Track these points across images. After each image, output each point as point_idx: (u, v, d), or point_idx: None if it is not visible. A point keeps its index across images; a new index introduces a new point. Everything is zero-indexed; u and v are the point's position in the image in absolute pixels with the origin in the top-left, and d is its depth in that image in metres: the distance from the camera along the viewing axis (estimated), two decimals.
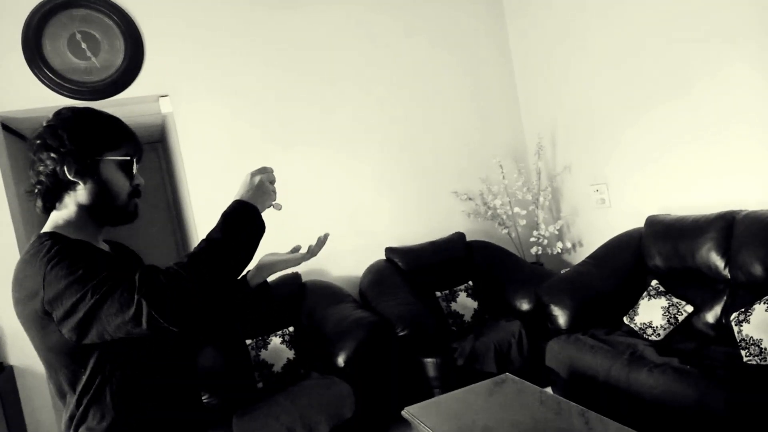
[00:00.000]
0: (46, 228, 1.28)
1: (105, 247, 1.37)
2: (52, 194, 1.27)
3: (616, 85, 3.77)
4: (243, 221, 1.27)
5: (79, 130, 1.25)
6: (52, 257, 1.15)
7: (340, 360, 3.15)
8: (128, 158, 1.31)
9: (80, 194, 1.27)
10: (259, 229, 1.30)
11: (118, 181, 1.30)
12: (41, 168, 1.25)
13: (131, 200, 1.34)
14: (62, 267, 1.14)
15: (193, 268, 1.14)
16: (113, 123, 1.31)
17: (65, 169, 1.24)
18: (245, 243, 1.26)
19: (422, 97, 4.48)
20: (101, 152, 1.27)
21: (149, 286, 1.10)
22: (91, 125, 1.28)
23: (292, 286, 3.80)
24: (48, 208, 1.29)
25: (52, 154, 1.24)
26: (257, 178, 1.37)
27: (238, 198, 1.32)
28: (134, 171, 1.33)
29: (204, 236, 1.25)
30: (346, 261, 4.17)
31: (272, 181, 1.41)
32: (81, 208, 1.28)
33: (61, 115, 1.28)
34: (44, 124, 1.28)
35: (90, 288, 1.11)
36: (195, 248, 1.21)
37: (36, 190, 1.28)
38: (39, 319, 1.17)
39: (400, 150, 4.39)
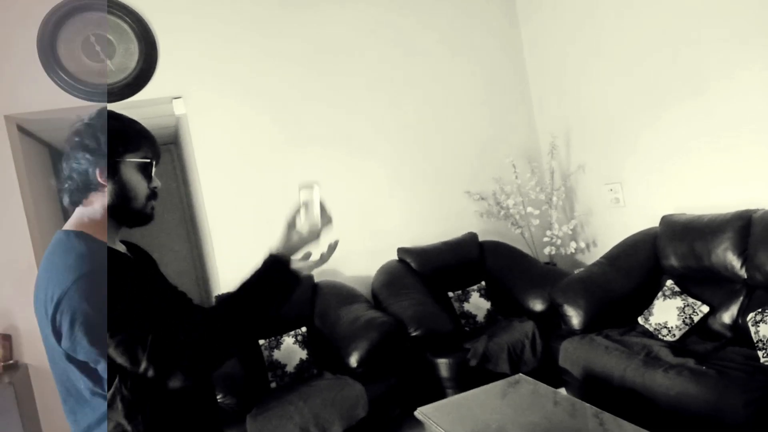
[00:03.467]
0: (73, 225, 1.30)
1: (122, 248, 1.39)
2: (80, 192, 1.31)
3: (631, 86, 3.74)
4: (274, 279, 1.34)
5: (109, 132, 1.29)
6: (83, 303, 1.15)
7: (353, 360, 3.15)
8: (147, 160, 1.34)
9: (104, 194, 1.30)
10: (294, 282, 1.36)
11: (137, 182, 1.33)
12: (75, 165, 1.29)
13: (148, 202, 1.36)
14: (89, 338, 1.15)
15: (213, 333, 1.21)
16: (134, 125, 1.34)
17: (98, 171, 1.28)
18: (276, 302, 1.33)
19: (435, 97, 4.47)
20: (123, 154, 1.30)
21: (160, 358, 1.14)
22: (117, 127, 1.31)
23: (304, 286, 3.80)
24: (74, 203, 1.33)
25: (88, 155, 1.28)
26: (287, 229, 1.41)
27: (273, 251, 1.37)
28: (152, 173, 1.36)
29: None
30: (359, 261, 4.17)
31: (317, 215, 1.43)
32: (103, 209, 1.31)
33: (99, 116, 1.31)
34: (85, 120, 1.31)
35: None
36: (225, 301, 1.29)
37: (66, 185, 1.31)
38: (52, 323, 1.18)
39: (413, 150, 4.39)
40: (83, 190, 1.30)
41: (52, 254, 1.25)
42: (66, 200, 1.33)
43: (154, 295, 1.31)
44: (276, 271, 1.34)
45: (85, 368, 1.20)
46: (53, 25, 3.50)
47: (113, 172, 1.29)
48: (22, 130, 3.75)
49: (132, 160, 1.31)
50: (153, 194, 1.37)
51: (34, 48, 3.49)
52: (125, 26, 3.66)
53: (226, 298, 1.30)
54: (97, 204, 1.31)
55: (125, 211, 1.33)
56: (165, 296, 1.38)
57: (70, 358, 1.20)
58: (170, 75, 3.78)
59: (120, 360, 1.15)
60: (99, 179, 1.28)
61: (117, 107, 3.69)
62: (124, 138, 1.31)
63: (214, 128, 3.90)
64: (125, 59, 3.67)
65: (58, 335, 1.17)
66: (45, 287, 1.20)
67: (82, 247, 1.23)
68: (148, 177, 1.35)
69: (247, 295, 1.29)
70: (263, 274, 1.33)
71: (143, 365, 1.14)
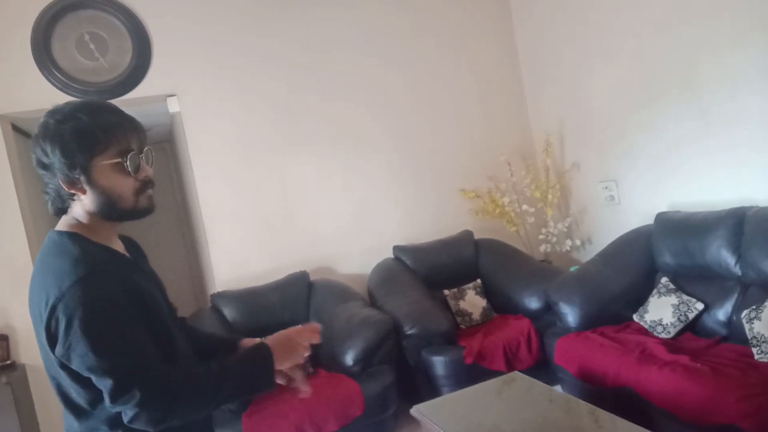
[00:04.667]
0: (66, 226, 1.25)
1: (120, 246, 1.33)
2: (59, 202, 1.25)
3: (626, 83, 3.75)
4: (260, 370, 1.29)
5: (62, 141, 1.17)
6: (80, 307, 1.10)
7: (349, 358, 3.16)
8: (119, 160, 1.21)
9: (85, 202, 1.23)
10: (269, 384, 1.30)
11: (117, 183, 1.22)
12: (45, 181, 1.24)
13: (140, 196, 1.26)
14: (86, 341, 1.10)
15: (198, 396, 1.19)
16: (98, 119, 1.20)
17: (60, 183, 1.20)
18: (251, 390, 1.29)
19: (430, 95, 4.47)
20: (90, 159, 1.19)
21: (152, 409, 1.12)
22: (74, 132, 1.18)
23: (300, 284, 3.81)
24: (59, 212, 1.28)
25: (44, 171, 1.22)
26: (295, 341, 1.37)
27: (268, 343, 1.32)
28: (138, 163, 1.24)
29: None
30: (354, 260, 4.18)
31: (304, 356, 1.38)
32: (90, 213, 1.24)
33: (46, 124, 1.20)
34: (34, 132, 1.22)
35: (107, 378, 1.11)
36: (214, 368, 1.24)
37: (46, 198, 1.27)
38: (47, 329, 1.14)
39: (408, 148, 4.39)
40: (60, 201, 1.24)
41: (47, 256, 1.21)
42: (51, 210, 1.28)
43: (150, 309, 1.24)
44: (265, 366, 1.30)
45: (77, 377, 1.16)
46: (47, 23, 3.49)
47: (87, 179, 1.19)
48: (16, 129, 3.73)
49: (103, 163, 1.20)
50: (144, 185, 1.26)
51: (28, 46, 3.48)
52: (119, 24, 3.65)
53: (220, 365, 1.26)
54: (80, 210, 1.24)
55: (116, 212, 1.24)
56: (159, 308, 1.30)
57: (63, 366, 1.15)
58: (164, 73, 3.77)
59: (104, 388, 1.12)
60: (67, 190, 1.21)
61: None
62: (87, 140, 1.18)
63: (208, 126, 3.90)
64: (119, 57, 3.66)
65: (52, 342, 1.13)
66: (39, 291, 1.16)
67: (77, 249, 1.18)
68: (131, 171, 1.23)
69: (240, 370, 1.27)
70: (255, 361, 1.30)
71: (133, 408, 1.11)
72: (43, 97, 3.49)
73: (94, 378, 1.12)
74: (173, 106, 3.85)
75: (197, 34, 3.86)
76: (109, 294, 1.15)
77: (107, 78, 3.63)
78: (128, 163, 1.22)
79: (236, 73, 3.96)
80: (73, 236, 1.21)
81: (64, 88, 3.53)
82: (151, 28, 3.73)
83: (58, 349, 1.12)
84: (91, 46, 3.58)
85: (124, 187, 1.23)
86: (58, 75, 3.51)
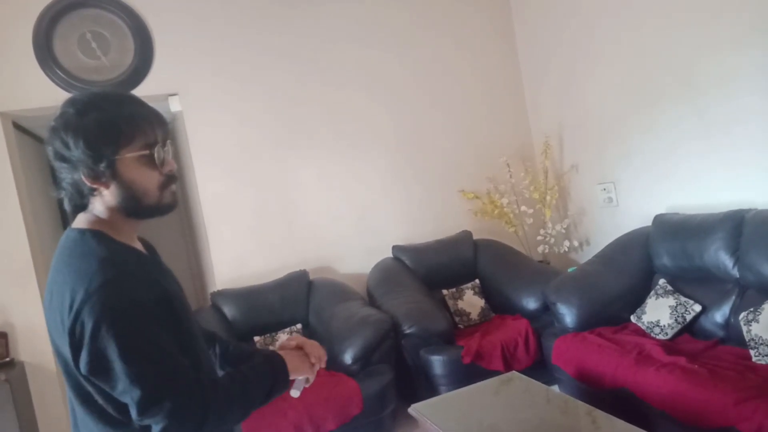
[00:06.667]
0: (86, 223, 1.16)
1: (139, 245, 1.26)
2: (78, 199, 1.17)
3: (625, 86, 3.76)
4: (281, 380, 1.29)
5: (86, 132, 1.10)
6: (108, 311, 1.03)
7: (348, 357, 3.17)
8: (146, 152, 1.15)
9: (107, 197, 1.15)
10: (284, 387, 1.31)
11: (143, 177, 1.15)
12: (60, 174, 1.15)
13: (164, 191, 1.20)
14: (114, 347, 1.02)
15: (227, 408, 1.14)
16: (122, 110, 1.15)
17: (82, 177, 1.12)
18: (270, 395, 1.26)
19: (430, 96, 4.48)
20: (115, 151, 1.12)
21: (184, 421, 1.06)
22: (98, 123, 1.11)
23: (299, 283, 3.81)
24: (77, 210, 1.20)
25: (63, 164, 1.13)
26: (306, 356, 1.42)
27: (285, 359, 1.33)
28: (163, 157, 1.18)
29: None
30: (354, 259, 4.19)
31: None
32: (111, 210, 1.16)
33: (65, 115, 1.13)
34: (51, 123, 1.14)
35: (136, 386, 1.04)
36: (239, 374, 1.21)
37: (63, 194, 1.18)
38: (70, 335, 1.06)
39: (408, 149, 4.40)
40: (79, 196, 1.16)
41: (68, 256, 1.12)
42: (69, 208, 1.19)
43: (177, 313, 1.16)
44: (283, 370, 1.31)
45: (101, 390, 1.08)
46: (49, 22, 3.50)
47: (112, 173, 1.12)
48: (17, 126, 3.74)
49: (129, 156, 1.13)
50: (168, 180, 1.20)
51: (30, 44, 3.49)
52: (121, 23, 3.66)
53: (242, 371, 1.23)
54: (101, 207, 1.16)
55: (140, 207, 1.17)
56: (186, 312, 1.23)
57: (88, 378, 1.07)
58: (166, 72, 3.78)
59: (132, 399, 1.03)
60: (89, 185, 1.13)
61: None
62: (111, 131, 1.11)
63: (209, 125, 3.91)
64: (121, 56, 3.67)
65: (76, 348, 1.04)
66: (60, 293, 1.08)
67: (103, 249, 1.11)
68: (156, 164, 1.16)
69: (262, 375, 1.25)
70: (274, 367, 1.29)
71: (163, 419, 1.04)
72: (44, 95, 3.49)
73: (120, 387, 1.04)
74: (175, 105, 3.86)
75: (199, 32, 3.87)
76: (138, 297, 1.07)
77: (109, 77, 3.63)
78: (155, 155, 1.16)
79: (238, 72, 3.96)
80: (97, 234, 1.14)
81: (65, 86, 3.54)
82: (153, 28, 3.73)
83: (84, 355, 1.03)
84: (93, 44, 3.58)
85: (150, 181, 1.17)
86: (60, 73, 3.52)
